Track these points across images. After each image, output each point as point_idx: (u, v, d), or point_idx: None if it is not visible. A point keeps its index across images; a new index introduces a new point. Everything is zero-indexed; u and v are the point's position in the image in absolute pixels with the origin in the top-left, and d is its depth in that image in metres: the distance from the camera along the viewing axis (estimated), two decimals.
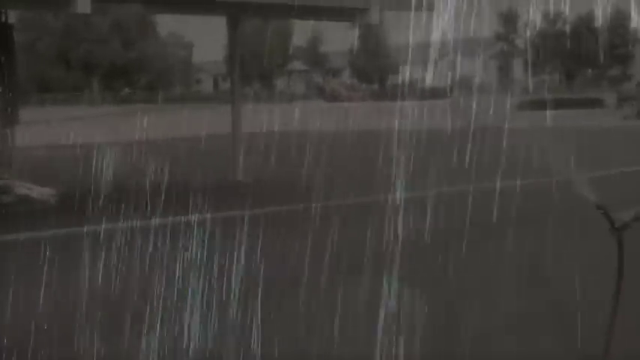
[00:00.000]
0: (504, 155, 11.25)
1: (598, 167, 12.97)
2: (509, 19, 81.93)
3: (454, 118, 26.62)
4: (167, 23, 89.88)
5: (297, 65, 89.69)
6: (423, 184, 12.74)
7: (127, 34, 75.34)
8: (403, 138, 18.80)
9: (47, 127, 35.07)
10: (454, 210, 9.80)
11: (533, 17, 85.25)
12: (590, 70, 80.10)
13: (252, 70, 74.07)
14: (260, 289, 6.33)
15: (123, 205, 9.72)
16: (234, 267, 6.88)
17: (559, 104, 52.63)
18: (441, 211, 9.85)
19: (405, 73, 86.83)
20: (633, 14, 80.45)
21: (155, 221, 9.23)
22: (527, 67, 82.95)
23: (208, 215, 9.44)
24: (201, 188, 11.66)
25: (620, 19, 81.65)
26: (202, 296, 6.32)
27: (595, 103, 57.96)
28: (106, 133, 33.42)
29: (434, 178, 12.59)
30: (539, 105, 51.32)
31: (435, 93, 66.49)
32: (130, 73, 76.61)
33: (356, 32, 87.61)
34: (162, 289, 6.41)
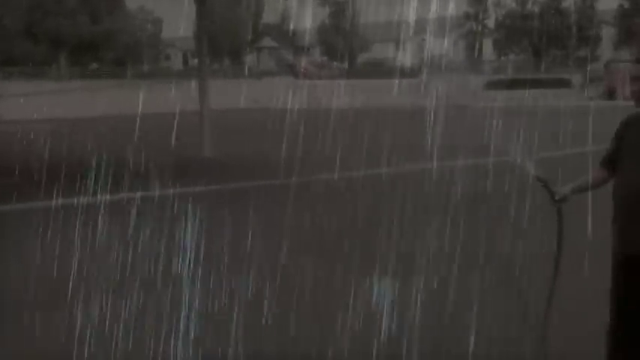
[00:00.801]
0: (461, 135, 11.47)
1: (552, 147, 13.23)
2: None
3: (422, 97, 26.80)
4: None
5: (267, 42, 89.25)
6: (373, 163, 12.99)
7: (96, 8, 74.46)
8: (369, 116, 18.94)
9: (12, 101, 34.71)
10: (370, 193, 9.95)
11: None
12: (558, 51, 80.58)
13: (222, 46, 73.68)
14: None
15: (85, 181, 9.79)
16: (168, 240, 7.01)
17: (526, 84, 53.10)
18: (363, 193, 10.09)
19: (376, 52, 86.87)
20: None
21: (105, 198, 9.32)
22: (496, 47, 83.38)
23: (170, 191, 9.54)
24: (167, 164, 11.73)
25: (588, 1, 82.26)
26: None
27: (562, 83, 58.47)
28: (72, 108, 33.21)
29: (378, 158, 12.83)
30: (507, 84, 51.76)
31: (405, 72, 66.71)
32: (98, 48, 75.74)
33: (327, 10, 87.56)
34: (89, 264, 6.53)
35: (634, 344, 4.50)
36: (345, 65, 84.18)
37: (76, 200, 9.41)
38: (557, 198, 4.60)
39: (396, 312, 5.50)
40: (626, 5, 79.57)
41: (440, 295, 5.92)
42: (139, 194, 10.45)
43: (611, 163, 4.57)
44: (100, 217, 8.09)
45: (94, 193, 9.67)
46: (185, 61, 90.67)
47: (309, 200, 9.70)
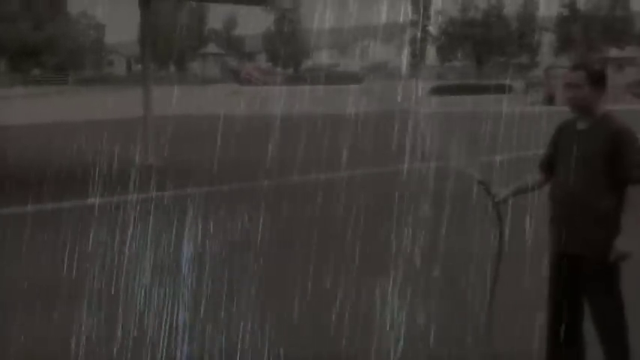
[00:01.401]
0: (402, 140, 11.59)
1: (492, 151, 13.44)
2: (422, 7, 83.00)
3: (365, 103, 27.01)
4: (78, 3, 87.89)
5: (211, 48, 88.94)
6: (305, 171, 13.13)
7: (37, 14, 73.33)
8: (312, 122, 19.02)
9: None
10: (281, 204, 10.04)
11: (445, 5, 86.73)
12: (499, 57, 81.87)
13: (167, 52, 73.19)
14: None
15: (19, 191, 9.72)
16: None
17: (469, 90, 53.79)
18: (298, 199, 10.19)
19: (320, 58, 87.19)
20: (542, 3, 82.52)
21: (28, 209, 9.25)
22: (439, 54, 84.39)
23: (114, 199, 9.47)
24: (110, 172, 11.61)
25: (528, 8, 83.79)
26: None
27: (503, 89, 59.35)
28: (12, 115, 32.64)
29: (318, 164, 12.98)
30: (450, 90, 52.42)
31: (349, 78, 67.13)
32: (40, 54, 74.60)
33: (272, 16, 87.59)
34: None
35: (571, 342, 4.62)
36: (290, 71, 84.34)
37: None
38: (496, 200, 4.72)
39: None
40: (565, 12, 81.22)
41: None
42: (67, 204, 10.42)
43: (548, 166, 4.71)
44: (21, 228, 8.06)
45: (22, 203, 9.60)
46: (129, 67, 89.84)
47: (243, 206, 9.74)
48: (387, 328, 5.35)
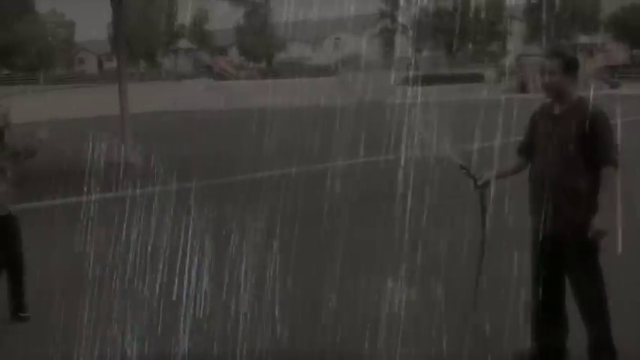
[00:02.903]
0: (378, 130, 11.73)
1: (470, 139, 13.64)
2: None
3: (338, 95, 27.14)
4: (47, 1, 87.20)
5: (183, 43, 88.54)
6: (285, 163, 13.29)
7: (4, 13, 72.61)
8: (285, 116, 19.12)
9: None
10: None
11: None
12: (470, 46, 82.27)
13: (138, 49, 72.75)
14: None
15: None
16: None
17: (442, 79, 54.07)
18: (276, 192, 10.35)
19: (292, 51, 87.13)
20: None
21: None
22: (411, 44, 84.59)
23: (100, 196, 9.54)
24: (90, 170, 11.65)
25: None
26: None
27: (476, 78, 59.78)
28: None
29: (291, 157, 13.14)
30: (424, 80, 52.64)
31: (322, 70, 67.19)
32: (9, 54, 73.87)
33: (242, 10, 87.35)
34: None
35: (553, 322, 4.81)
36: (263, 65, 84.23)
37: None
38: (479, 184, 4.91)
39: None
40: (534, 0, 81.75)
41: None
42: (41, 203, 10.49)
43: (526, 150, 4.90)
44: None
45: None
46: (100, 65, 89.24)
47: (218, 201, 9.84)
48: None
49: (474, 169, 5.01)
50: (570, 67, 4.69)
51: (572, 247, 4.60)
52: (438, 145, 5.37)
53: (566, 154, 4.56)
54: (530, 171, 4.83)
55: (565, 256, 4.65)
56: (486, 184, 4.94)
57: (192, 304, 5.73)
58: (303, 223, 8.48)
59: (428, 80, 52.12)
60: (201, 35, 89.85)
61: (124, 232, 7.33)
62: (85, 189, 9.21)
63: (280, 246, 7.25)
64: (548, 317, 4.80)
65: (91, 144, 11.24)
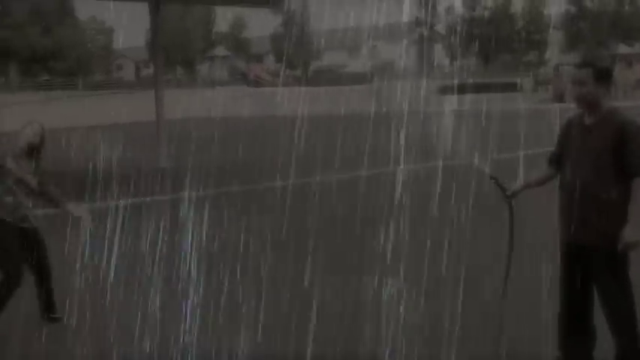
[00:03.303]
0: (415, 139, 11.74)
1: (506, 149, 13.59)
2: (429, 5, 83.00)
3: (374, 103, 27.13)
4: (87, 8, 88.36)
5: (219, 51, 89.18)
6: (325, 170, 13.31)
7: (46, 20, 73.72)
8: (322, 123, 19.11)
9: None
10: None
11: (452, 2, 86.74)
12: (507, 55, 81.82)
13: (175, 56, 73.46)
14: None
15: None
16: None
17: (478, 88, 53.76)
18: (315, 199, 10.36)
19: (328, 59, 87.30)
20: (549, 1, 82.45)
21: None
22: (447, 52, 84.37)
23: (129, 201, 9.66)
24: (124, 175, 11.81)
25: (535, 6, 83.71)
26: None
27: (512, 87, 59.39)
28: (23, 120, 32.92)
29: (331, 164, 13.15)
30: (459, 89, 52.39)
31: (357, 78, 67.21)
32: (49, 60, 74.98)
33: (279, 18, 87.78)
34: None
35: (582, 331, 4.77)
36: (298, 73, 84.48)
37: None
38: (508, 194, 4.90)
39: None
40: (573, 10, 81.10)
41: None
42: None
43: (557, 160, 4.88)
44: None
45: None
46: (137, 72, 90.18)
47: (248, 207, 9.88)
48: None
49: (506, 179, 5.00)
50: (602, 76, 4.66)
51: (601, 258, 4.56)
52: (466, 155, 5.38)
53: (597, 164, 4.54)
54: (561, 181, 4.81)
55: (593, 267, 4.61)
56: (515, 194, 4.93)
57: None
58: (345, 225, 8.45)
59: (463, 89, 51.90)
60: (237, 42, 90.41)
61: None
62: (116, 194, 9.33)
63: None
64: (575, 327, 4.77)
65: (123, 150, 11.35)
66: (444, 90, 44.43)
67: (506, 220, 4.96)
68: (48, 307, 6.26)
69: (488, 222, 7.03)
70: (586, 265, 4.63)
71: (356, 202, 10.21)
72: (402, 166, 13.56)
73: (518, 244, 4.96)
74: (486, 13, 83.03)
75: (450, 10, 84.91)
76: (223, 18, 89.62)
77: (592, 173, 4.55)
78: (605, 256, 4.54)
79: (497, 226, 5.15)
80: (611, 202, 4.49)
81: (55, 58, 74.75)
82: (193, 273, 6.63)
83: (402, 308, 5.72)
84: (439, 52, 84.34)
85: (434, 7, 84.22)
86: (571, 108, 5.10)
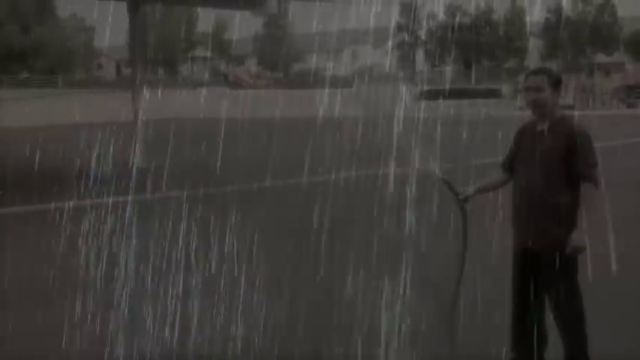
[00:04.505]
0: (385, 144, 11.75)
1: (478, 154, 13.71)
2: (411, 11, 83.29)
3: (353, 107, 27.20)
4: (67, 6, 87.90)
5: (200, 52, 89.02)
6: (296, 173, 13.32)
7: (25, 17, 73.31)
8: (299, 126, 19.14)
9: None
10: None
11: (434, 9, 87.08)
12: (488, 62, 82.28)
13: (155, 55, 73.23)
14: None
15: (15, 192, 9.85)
16: None
17: (458, 94, 54.07)
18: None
19: (310, 62, 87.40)
20: (528, 9, 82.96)
21: None
22: (428, 58, 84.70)
23: (109, 200, 9.65)
24: (97, 175, 11.79)
25: (516, 13, 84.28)
26: None
27: (492, 93, 59.77)
28: (1, 117, 32.74)
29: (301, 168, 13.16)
30: (439, 95, 52.63)
31: (338, 82, 67.28)
32: (29, 57, 74.53)
33: (261, 20, 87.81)
34: None
35: (532, 334, 4.87)
36: (280, 75, 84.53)
37: None
38: (461, 197, 5.00)
39: None
40: (553, 18, 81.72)
41: None
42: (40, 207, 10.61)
43: (510, 166, 5.00)
44: None
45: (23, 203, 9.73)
46: (118, 71, 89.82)
47: (220, 209, 9.89)
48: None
49: (459, 183, 5.09)
50: (556, 84, 4.79)
51: (551, 262, 4.67)
52: (422, 160, 5.45)
53: (549, 169, 4.65)
54: (513, 185, 4.92)
55: (544, 270, 4.72)
56: (467, 198, 5.02)
57: None
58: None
59: (444, 95, 52.15)
60: (218, 44, 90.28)
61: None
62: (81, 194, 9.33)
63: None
64: (528, 330, 4.87)
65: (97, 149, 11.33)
66: (425, 95, 44.67)
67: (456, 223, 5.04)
68: None
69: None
70: (536, 268, 4.74)
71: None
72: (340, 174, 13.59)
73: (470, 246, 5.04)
74: (467, 20, 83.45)
75: (431, 16, 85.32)
76: (205, 20, 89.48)
77: (543, 178, 4.66)
78: (555, 260, 4.64)
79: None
80: (561, 207, 4.60)
81: (34, 55, 74.31)
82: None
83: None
84: (420, 57, 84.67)
85: (416, 13, 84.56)
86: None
